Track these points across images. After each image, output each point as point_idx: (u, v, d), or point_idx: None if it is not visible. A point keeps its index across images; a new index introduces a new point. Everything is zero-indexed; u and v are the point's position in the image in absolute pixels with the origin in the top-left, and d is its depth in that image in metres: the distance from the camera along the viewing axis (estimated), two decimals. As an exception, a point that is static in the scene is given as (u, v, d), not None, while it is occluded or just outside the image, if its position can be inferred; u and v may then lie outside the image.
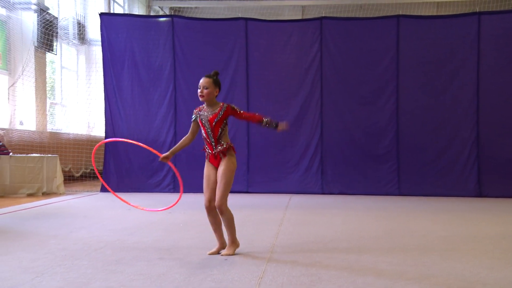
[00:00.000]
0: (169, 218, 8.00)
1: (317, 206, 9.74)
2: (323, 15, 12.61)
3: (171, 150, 5.59)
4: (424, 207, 9.65)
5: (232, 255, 5.28)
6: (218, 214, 5.34)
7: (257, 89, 12.22)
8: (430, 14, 17.82)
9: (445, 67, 11.83)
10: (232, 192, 11.94)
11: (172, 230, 6.87)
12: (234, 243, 5.41)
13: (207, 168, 5.45)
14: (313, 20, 12.51)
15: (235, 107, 5.45)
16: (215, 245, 5.48)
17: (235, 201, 10.30)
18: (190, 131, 5.54)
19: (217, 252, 5.36)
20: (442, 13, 17.40)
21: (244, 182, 12.10)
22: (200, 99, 5.42)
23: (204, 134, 5.39)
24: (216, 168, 5.40)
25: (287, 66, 12.30)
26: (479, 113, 11.65)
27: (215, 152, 5.36)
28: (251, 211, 8.88)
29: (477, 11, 12.15)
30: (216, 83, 5.43)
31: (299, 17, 20.38)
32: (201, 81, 5.42)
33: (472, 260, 5.12)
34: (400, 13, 12.93)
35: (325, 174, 12.04)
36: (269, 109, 12.17)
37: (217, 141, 5.36)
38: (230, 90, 12.19)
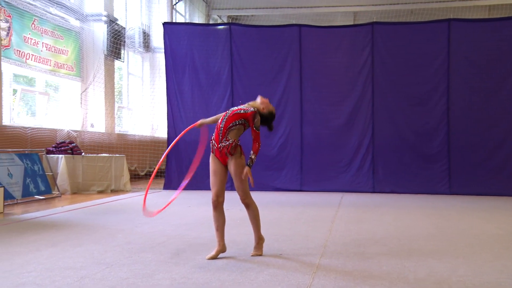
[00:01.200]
0: (226, 214, 8.01)
1: (369, 204, 9.57)
2: (374, 20, 12.41)
3: (209, 119, 5.48)
4: (475, 205, 9.32)
5: (261, 255, 4.93)
6: (223, 211, 5.05)
7: (310, 92, 12.13)
8: (481, 17, 17.30)
9: (497, 69, 11.42)
10: (285, 190, 11.97)
11: (230, 226, 6.86)
12: (261, 239, 5.10)
13: (214, 163, 5.12)
14: (364, 25, 12.32)
15: (256, 120, 5.02)
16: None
17: (289, 199, 10.28)
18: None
19: (216, 256, 4.85)
20: (494, 16, 16.84)
21: (297, 181, 12.03)
22: (264, 107, 5.15)
23: (218, 122, 5.13)
24: (222, 163, 5.06)
25: (339, 70, 12.15)
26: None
27: (220, 147, 5.01)
28: (305, 208, 8.80)
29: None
30: None
31: (351, 23, 20.13)
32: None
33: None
34: (451, 16, 12.58)
35: (377, 173, 11.82)
36: (322, 111, 12.09)
37: (225, 133, 4.97)
38: (284, 93, 12.15)
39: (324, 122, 12.02)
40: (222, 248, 4.93)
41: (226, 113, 5.00)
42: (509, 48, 11.38)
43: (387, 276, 4.18)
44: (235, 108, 5.03)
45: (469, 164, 11.42)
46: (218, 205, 5.00)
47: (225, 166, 5.04)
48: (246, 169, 4.88)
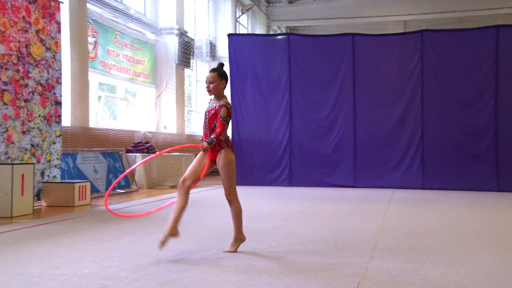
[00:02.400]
0: (286, 208, 8.03)
1: (419, 200, 9.34)
2: (424, 28, 12.11)
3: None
4: (522, 203, 8.93)
5: (234, 252, 4.57)
6: (186, 197, 4.47)
7: (363, 96, 11.97)
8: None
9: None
10: (340, 186, 11.85)
11: (288, 219, 6.88)
12: (240, 238, 4.67)
13: (200, 155, 4.65)
14: (415, 33, 12.04)
15: (222, 110, 4.52)
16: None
17: (343, 195, 10.17)
18: None
19: (164, 241, 4.31)
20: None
21: (351, 178, 11.91)
22: (208, 94, 4.68)
23: (202, 124, 4.72)
24: (210, 158, 4.59)
25: (390, 75, 11.95)
26: None
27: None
28: (358, 203, 8.68)
29: None
30: (222, 76, 4.61)
31: (402, 31, 19.69)
32: (207, 75, 4.64)
33: None
34: (500, 23, 12.09)
35: (426, 171, 11.53)
36: (374, 113, 11.91)
37: (212, 131, 4.54)
38: (338, 97, 12.04)
39: (376, 124, 11.85)
40: (172, 232, 4.31)
41: (206, 117, 4.63)
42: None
43: (438, 268, 4.06)
44: (209, 109, 4.62)
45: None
46: (181, 187, 4.46)
47: (213, 161, 4.62)
48: (205, 144, 4.49)
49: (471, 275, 3.87)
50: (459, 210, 7.87)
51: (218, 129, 4.48)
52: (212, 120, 4.55)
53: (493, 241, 5.31)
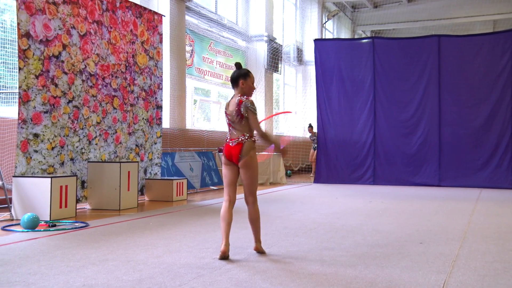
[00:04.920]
0: (370, 205, 7.85)
1: (508, 199, 8.74)
2: (515, 26, 11.34)
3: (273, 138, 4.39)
4: None
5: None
6: (231, 212, 4.12)
7: (448, 96, 11.42)
8: None
9: None
10: (424, 185, 11.38)
11: (373, 216, 6.71)
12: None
13: (224, 167, 4.19)
14: (504, 32, 11.31)
15: (248, 105, 4.09)
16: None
17: (427, 193, 9.75)
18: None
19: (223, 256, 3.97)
20: None
21: (436, 177, 11.40)
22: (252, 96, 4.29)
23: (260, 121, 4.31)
24: (233, 163, 4.14)
25: (477, 75, 11.31)
26: None
27: (229, 142, 4.16)
28: (443, 202, 8.28)
29: None
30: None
31: (491, 31, 18.53)
32: (253, 77, 4.35)
33: None
34: None
35: (517, 171, 10.80)
36: (460, 113, 11.34)
37: (238, 131, 4.14)
38: (423, 97, 11.60)
39: (462, 123, 11.28)
40: (224, 249, 3.99)
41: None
42: None
43: (528, 270, 3.78)
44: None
45: None
46: (229, 205, 4.15)
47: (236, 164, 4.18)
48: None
49: None
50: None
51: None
52: (237, 117, 4.15)
53: None
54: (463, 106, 11.32)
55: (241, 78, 4.26)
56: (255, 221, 4.21)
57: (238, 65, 4.35)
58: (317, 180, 12.21)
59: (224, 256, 3.96)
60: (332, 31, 20.64)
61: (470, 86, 11.32)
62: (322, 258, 4.10)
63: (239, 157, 4.11)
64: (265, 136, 4.22)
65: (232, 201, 4.16)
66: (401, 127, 11.68)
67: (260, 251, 4.24)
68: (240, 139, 4.13)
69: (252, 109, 4.13)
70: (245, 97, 4.20)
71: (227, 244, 3.99)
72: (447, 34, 12.25)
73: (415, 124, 11.62)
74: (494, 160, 11.03)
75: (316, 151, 13.07)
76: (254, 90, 4.35)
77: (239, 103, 4.15)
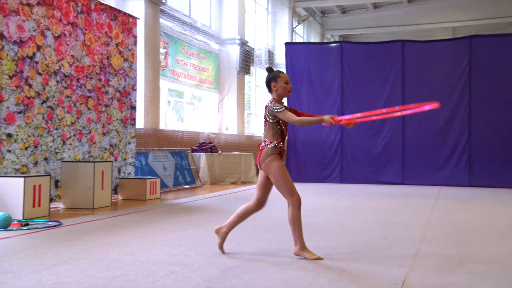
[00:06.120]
0: (337, 203, 7.95)
1: (465, 197, 8.98)
2: (473, 33, 11.65)
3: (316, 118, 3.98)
4: None
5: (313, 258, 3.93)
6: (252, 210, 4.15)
7: (411, 99, 11.62)
8: None
9: None
10: (388, 183, 11.58)
11: (341, 213, 6.80)
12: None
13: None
14: (463, 39, 11.61)
15: (271, 108, 3.95)
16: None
17: (391, 191, 9.94)
18: (293, 114, 3.98)
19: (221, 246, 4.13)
20: None
21: (399, 176, 11.68)
22: (289, 95, 4.18)
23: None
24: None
25: (439, 78, 11.59)
26: None
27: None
28: (406, 199, 8.46)
29: None
30: None
31: (450, 37, 19.01)
32: (285, 76, 4.14)
33: None
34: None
35: (473, 169, 11.12)
36: (422, 115, 11.51)
37: (264, 136, 4.07)
38: (388, 99, 11.80)
39: (424, 125, 11.53)
40: (218, 230, 4.17)
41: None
42: None
43: (485, 261, 3.90)
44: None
45: None
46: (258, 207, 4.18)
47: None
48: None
49: (517, 270, 3.69)
50: (507, 207, 7.51)
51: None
52: (265, 122, 4.10)
53: (540, 238, 5.03)
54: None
55: (272, 81, 4.11)
56: (289, 223, 4.01)
57: (269, 69, 4.20)
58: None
59: (216, 234, 4.20)
60: (302, 35, 20.80)
61: (432, 89, 11.55)
62: (291, 254, 4.13)
63: (259, 163, 4.05)
64: (304, 122, 3.92)
65: (256, 200, 4.11)
66: (367, 128, 11.86)
67: (297, 254, 3.94)
68: (261, 145, 4.05)
69: (274, 109, 3.91)
70: (269, 100, 4.05)
71: (224, 227, 4.18)
72: (411, 40, 12.48)
73: (380, 125, 11.83)
74: (452, 160, 11.32)
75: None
76: (291, 89, 4.11)
77: (265, 108, 4.04)
